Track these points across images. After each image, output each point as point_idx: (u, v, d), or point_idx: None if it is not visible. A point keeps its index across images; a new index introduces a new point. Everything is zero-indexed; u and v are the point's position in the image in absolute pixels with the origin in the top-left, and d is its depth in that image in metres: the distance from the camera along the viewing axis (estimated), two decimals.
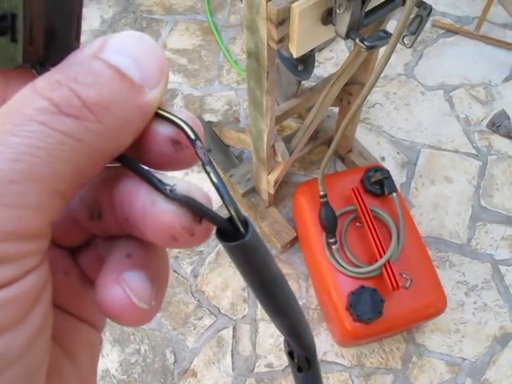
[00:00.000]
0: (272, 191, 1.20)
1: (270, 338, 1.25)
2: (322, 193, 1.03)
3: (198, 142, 0.16)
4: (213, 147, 1.40)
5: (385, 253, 1.03)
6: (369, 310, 1.01)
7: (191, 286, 1.31)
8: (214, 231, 0.18)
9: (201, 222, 0.16)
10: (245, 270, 0.19)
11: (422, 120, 1.57)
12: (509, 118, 1.58)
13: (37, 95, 0.14)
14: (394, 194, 1.12)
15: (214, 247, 1.34)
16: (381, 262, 1.02)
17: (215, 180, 0.17)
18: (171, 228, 0.16)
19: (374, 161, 1.40)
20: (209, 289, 1.31)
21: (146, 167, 0.17)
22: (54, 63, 0.16)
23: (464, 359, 1.24)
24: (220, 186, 0.17)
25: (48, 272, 0.16)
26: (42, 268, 0.15)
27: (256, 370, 1.22)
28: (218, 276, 1.31)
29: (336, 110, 1.29)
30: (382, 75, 1.67)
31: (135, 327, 1.26)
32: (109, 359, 1.23)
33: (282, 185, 1.38)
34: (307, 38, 0.75)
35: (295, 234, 1.28)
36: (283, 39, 0.74)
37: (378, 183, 1.14)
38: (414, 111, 1.59)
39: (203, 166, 0.17)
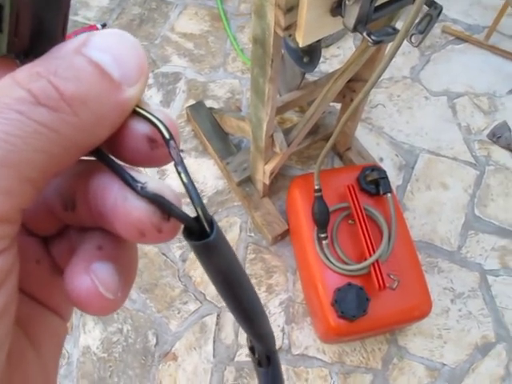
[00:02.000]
0: (267, 182, 1.20)
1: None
2: (316, 187, 1.03)
3: (171, 142, 0.17)
4: (212, 133, 1.39)
5: (374, 252, 1.03)
6: (354, 308, 1.01)
7: (179, 271, 1.31)
8: (181, 230, 0.18)
9: (169, 219, 0.17)
10: (209, 268, 0.19)
11: (424, 124, 1.57)
12: (510, 130, 1.57)
13: (16, 85, 0.15)
14: (389, 195, 1.11)
15: None
16: (370, 260, 1.02)
17: (185, 180, 0.17)
18: (140, 224, 0.17)
19: (372, 161, 1.40)
20: (196, 274, 1.30)
21: (120, 163, 0.18)
22: (38, 55, 0.16)
23: (444, 365, 1.25)
24: (189, 186, 0.17)
25: (16, 258, 0.16)
26: (8, 253, 0.15)
27: (237, 359, 1.22)
28: None
29: (338, 106, 1.28)
30: (387, 76, 1.67)
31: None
32: (91, 336, 1.23)
33: (278, 177, 1.37)
34: (314, 28, 0.74)
35: (287, 227, 1.28)
36: (290, 27, 0.74)
37: (373, 182, 1.14)
38: (416, 115, 1.59)
39: (175, 165, 0.17)
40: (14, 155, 0.14)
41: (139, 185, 0.16)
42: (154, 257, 1.32)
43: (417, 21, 0.77)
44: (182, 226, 0.18)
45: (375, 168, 1.15)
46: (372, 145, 1.49)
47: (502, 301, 1.32)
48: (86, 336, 1.23)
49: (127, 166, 0.18)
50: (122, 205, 0.17)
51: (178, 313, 1.26)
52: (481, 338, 1.28)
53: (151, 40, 1.69)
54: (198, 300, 1.28)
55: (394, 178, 1.45)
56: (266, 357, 0.27)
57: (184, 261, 1.32)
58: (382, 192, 1.12)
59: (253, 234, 1.36)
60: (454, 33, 1.77)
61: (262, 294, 1.28)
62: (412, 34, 0.79)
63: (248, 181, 1.31)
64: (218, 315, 1.26)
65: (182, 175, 0.17)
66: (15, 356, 0.17)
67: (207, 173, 1.42)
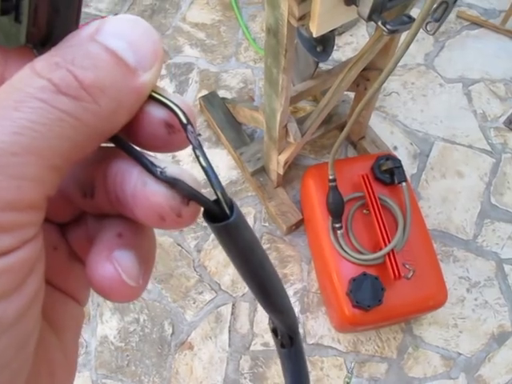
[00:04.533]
0: (281, 172, 1.20)
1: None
2: (331, 177, 1.03)
3: (189, 127, 0.17)
4: (225, 124, 1.39)
5: (390, 242, 1.02)
6: (369, 298, 1.01)
7: (194, 261, 1.32)
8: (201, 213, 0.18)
9: (188, 203, 0.17)
10: (230, 249, 0.19)
11: (438, 112, 1.55)
12: None
13: (36, 75, 0.15)
14: (404, 184, 1.11)
15: None
16: (385, 250, 1.01)
17: (204, 164, 0.17)
18: (160, 208, 0.17)
19: (387, 149, 1.39)
20: (211, 264, 1.31)
21: (138, 149, 0.18)
22: (55, 44, 0.16)
23: (460, 354, 1.24)
24: (208, 170, 0.17)
25: (42, 244, 0.16)
26: (37, 240, 0.16)
27: (252, 348, 1.23)
28: (220, 253, 1.31)
29: (352, 95, 1.27)
30: (401, 64, 1.64)
31: None
32: (108, 326, 1.25)
33: (292, 167, 1.37)
34: (328, 18, 0.73)
35: (301, 217, 1.28)
36: (304, 17, 0.73)
37: (388, 172, 1.13)
38: (431, 103, 1.57)
39: (193, 149, 0.17)
40: (39, 142, 0.14)
41: (158, 169, 0.17)
42: (168, 247, 1.33)
43: (433, 8, 0.76)
44: (202, 210, 0.18)
45: (390, 157, 1.14)
46: (386, 133, 1.48)
47: None
48: (103, 326, 1.25)
49: (145, 151, 0.18)
50: (141, 190, 0.17)
51: (194, 303, 1.28)
52: (497, 328, 1.27)
53: (163, 31, 1.68)
54: (214, 290, 1.29)
55: (409, 167, 1.44)
56: (288, 337, 0.27)
57: (199, 251, 1.33)
58: (396, 181, 1.11)
59: (267, 224, 1.36)
60: (470, 18, 1.73)
61: None
62: (428, 22, 0.77)
63: (262, 171, 1.31)
64: (233, 305, 1.27)
65: (201, 159, 0.17)
66: (39, 342, 0.17)
67: (221, 163, 1.42)
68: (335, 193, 1.04)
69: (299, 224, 1.31)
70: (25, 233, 0.15)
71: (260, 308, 1.26)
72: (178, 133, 0.17)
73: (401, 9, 0.83)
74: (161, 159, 0.17)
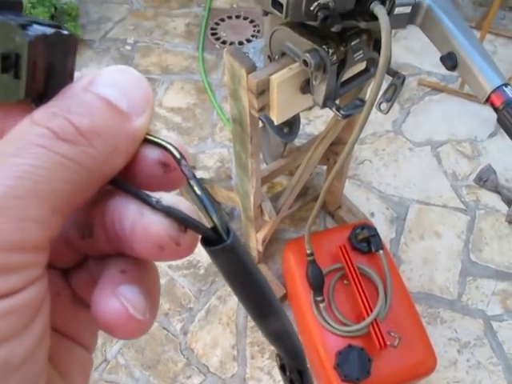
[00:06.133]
0: (261, 249, 1.22)
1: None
2: (308, 251, 1.04)
3: (183, 161, 0.18)
4: None
5: (372, 311, 1.03)
6: (357, 370, 1.00)
7: (180, 344, 1.30)
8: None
9: (186, 231, 0.18)
10: (229, 272, 0.20)
11: (411, 176, 1.61)
12: (495, 173, 1.61)
13: (35, 125, 0.16)
14: (381, 252, 1.13)
15: (203, 304, 1.35)
16: (368, 320, 1.02)
17: (199, 192, 0.18)
18: (158, 238, 0.17)
19: (363, 217, 1.42)
20: (198, 346, 1.29)
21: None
22: (51, 97, 0.17)
23: None
24: (203, 198, 0.18)
25: (47, 286, 0.17)
26: (42, 280, 0.16)
27: None
28: (207, 333, 1.30)
29: (325, 167, 1.32)
30: (370, 132, 1.72)
31: None
32: None
33: (273, 241, 1.39)
34: (287, 107, 0.78)
35: (284, 291, 1.29)
36: (264, 108, 0.78)
37: (365, 240, 1.15)
38: (403, 167, 1.63)
39: (187, 180, 0.18)
40: (42, 186, 0.15)
41: (154, 199, 0.17)
42: (154, 332, 1.31)
43: (384, 90, 0.82)
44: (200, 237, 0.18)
45: (365, 226, 1.17)
46: (362, 200, 1.52)
47: (511, 346, 1.31)
48: None
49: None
50: (139, 221, 0.17)
51: None
52: None
53: None
54: (202, 373, 1.26)
55: (387, 232, 1.47)
56: (297, 372, 0.26)
57: (185, 333, 1.31)
58: (373, 249, 1.13)
59: None
60: (430, 84, 1.84)
61: (265, 361, 1.27)
62: (381, 102, 0.83)
63: None
64: None
65: (195, 188, 0.18)
66: None
67: None
68: (314, 267, 1.06)
69: (283, 299, 1.31)
70: (30, 273, 0.15)
71: None
72: (174, 171, 0.19)
73: (356, 92, 0.89)
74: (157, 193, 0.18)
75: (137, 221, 0.17)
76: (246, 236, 1.26)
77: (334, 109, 0.75)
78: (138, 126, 0.18)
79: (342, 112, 0.75)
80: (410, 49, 1.97)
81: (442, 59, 0.68)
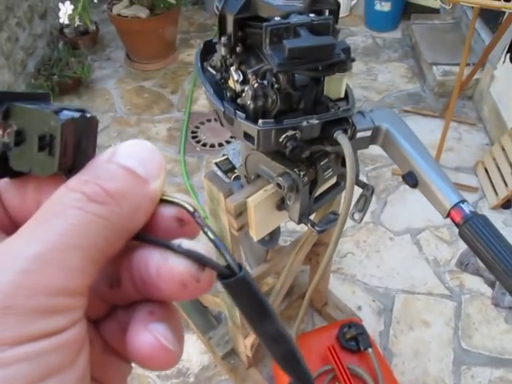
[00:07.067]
0: (250, 354, 1.21)
1: None
2: None
3: (196, 213, 0.22)
4: (191, 309, 1.42)
5: None
6: None
7: None
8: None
9: (204, 269, 0.21)
10: (242, 301, 0.23)
11: (394, 265, 1.64)
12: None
13: (71, 191, 0.20)
14: (370, 350, 1.13)
15: None
16: None
17: (212, 237, 0.21)
18: (181, 276, 0.20)
19: (350, 312, 1.43)
20: None
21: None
22: (78, 169, 0.21)
23: None
24: (217, 241, 0.21)
25: (86, 327, 0.19)
26: (83, 322, 0.19)
27: None
28: None
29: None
30: (350, 225, 1.76)
31: None
32: None
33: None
34: (265, 224, 0.82)
35: None
36: (243, 226, 0.82)
37: (353, 339, 1.16)
38: (385, 257, 1.66)
39: (201, 228, 0.22)
40: (80, 240, 0.18)
41: (176, 244, 0.20)
42: None
43: (354, 202, 0.87)
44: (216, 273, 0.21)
45: (352, 324, 1.18)
46: (348, 294, 1.53)
47: None
48: None
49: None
50: (164, 265, 0.20)
51: None
52: None
53: None
54: None
55: (375, 324, 1.48)
56: None
57: None
58: (362, 348, 1.14)
59: None
60: None
61: None
62: (353, 213, 0.88)
63: (232, 353, 1.32)
64: None
65: (209, 233, 0.21)
66: None
67: (191, 349, 1.42)
68: None
69: None
70: (74, 314, 0.18)
71: None
72: (188, 224, 0.22)
73: (328, 206, 0.93)
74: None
75: (161, 265, 0.20)
76: (234, 342, 1.26)
77: (309, 225, 0.79)
78: (155, 188, 0.21)
79: (316, 228, 0.79)
80: None
81: (404, 178, 0.74)
